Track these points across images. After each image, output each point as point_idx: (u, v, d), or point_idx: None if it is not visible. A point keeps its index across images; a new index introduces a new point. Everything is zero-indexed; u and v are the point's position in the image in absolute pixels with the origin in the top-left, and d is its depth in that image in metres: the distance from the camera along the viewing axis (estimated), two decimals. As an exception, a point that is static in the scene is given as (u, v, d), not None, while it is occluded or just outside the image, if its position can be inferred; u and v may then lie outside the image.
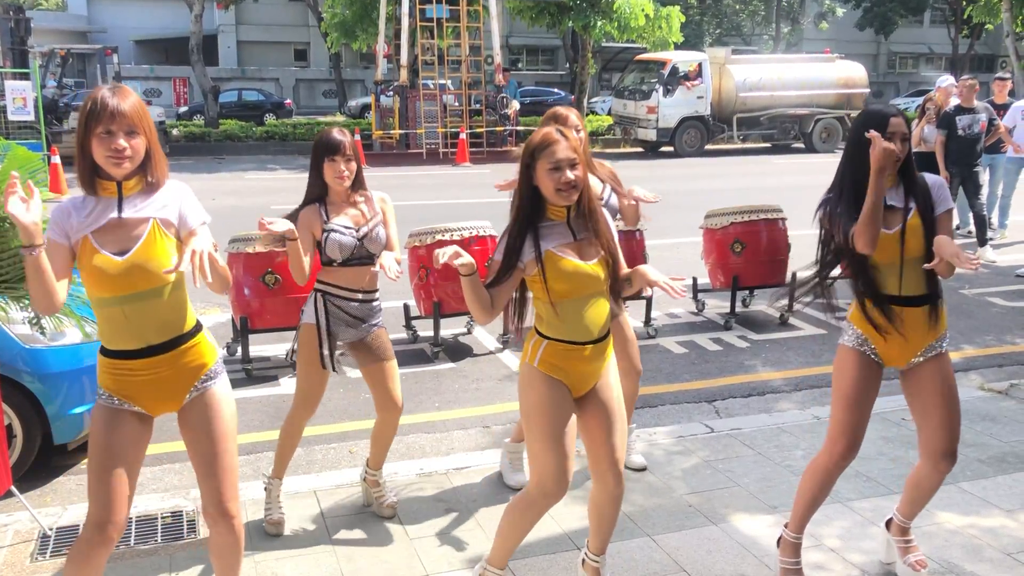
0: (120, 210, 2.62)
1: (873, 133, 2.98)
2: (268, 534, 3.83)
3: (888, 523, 3.52)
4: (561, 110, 4.01)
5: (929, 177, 3.19)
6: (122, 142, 2.54)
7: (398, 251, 3.80)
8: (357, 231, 3.67)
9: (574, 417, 3.02)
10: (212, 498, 2.77)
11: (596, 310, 2.92)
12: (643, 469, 4.45)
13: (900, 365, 3.24)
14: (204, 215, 2.75)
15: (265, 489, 3.95)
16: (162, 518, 3.96)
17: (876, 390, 3.23)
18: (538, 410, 2.95)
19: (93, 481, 2.68)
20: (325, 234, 3.64)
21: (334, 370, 3.75)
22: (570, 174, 2.81)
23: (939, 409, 3.19)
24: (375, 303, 3.81)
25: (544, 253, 2.86)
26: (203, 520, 3.93)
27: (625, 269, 3.03)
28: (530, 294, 2.99)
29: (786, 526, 3.41)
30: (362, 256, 3.69)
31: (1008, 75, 10.55)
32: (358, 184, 3.74)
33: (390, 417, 3.88)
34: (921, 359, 3.20)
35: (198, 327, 2.80)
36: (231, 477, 2.79)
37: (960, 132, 9.60)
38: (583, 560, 3.25)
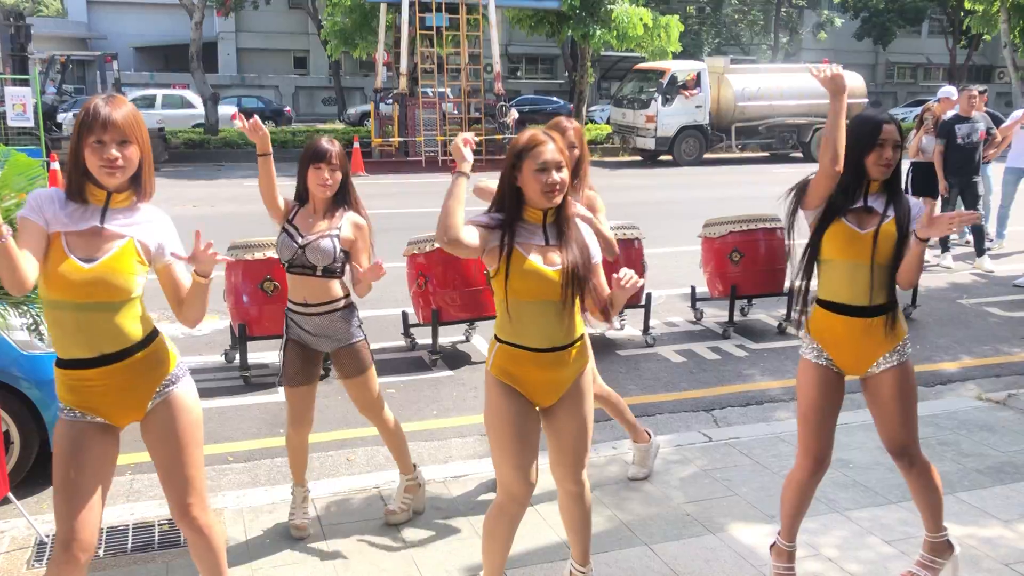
0: (103, 219, 2.61)
1: (817, 67, 3.04)
2: (293, 537, 3.84)
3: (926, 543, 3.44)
4: (563, 122, 3.98)
5: (912, 201, 3.19)
6: (114, 152, 2.53)
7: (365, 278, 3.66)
8: (302, 237, 3.67)
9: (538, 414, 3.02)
10: (176, 504, 2.75)
11: (553, 318, 2.87)
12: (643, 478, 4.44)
13: (859, 374, 3.25)
14: (181, 250, 2.72)
15: (291, 494, 3.98)
16: (159, 525, 3.95)
17: (839, 400, 3.24)
18: (493, 416, 2.97)
19: (58, 501, 2.62)
20: (280, 232, 3.72)
21: (277, 384, 3.77)
22: (556, 176, 2.81)
23: (889, 417, 3.21)
24: (334, 316, 3.74)
25: (513, 249, 2.84)
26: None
27: (604, 288, 2.97)
28: None
29: (779, 533, 3.41)
30: (303, 264, 3.68)
31: (983, 88, 10.54)
32: (346, 201, 3.74)
33: (374, 423, 3.98)
34: (878, 369, 3.19)
35: (154, 333, 2.74)
36: (194, 482, 2.76)
37: (959, 141, 9.61)
38: (570, 572, 3.24)
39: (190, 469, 2.76)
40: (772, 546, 3.43)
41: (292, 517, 3.91)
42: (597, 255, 3.00)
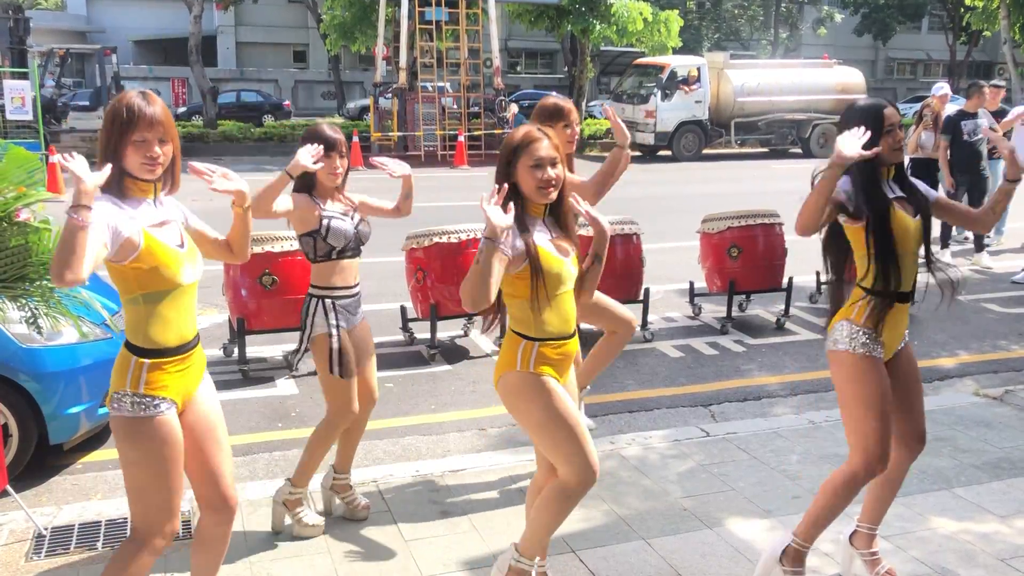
0: (158, 210, 2.71)
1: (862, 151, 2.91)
2: (360, 519, 3.92)
3: (852, 536, 3.45)
4: (560, 102, 4.01)
5: (919, 184, 3.24)
6: (157, 149, 2.59)
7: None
8: (352, 218, 3.72)
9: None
10: (217, 487, 2.80)
11: (570, 304, 2.98)
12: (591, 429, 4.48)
13: (887, 359, 3.23)
14: (197, 220, 2.90)
15: (284, 504, 3.85)
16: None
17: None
18: (555, 414, 2.89)
19: (166, 493, 2.67)
20: (326, 220, 3.63)
21: (295, 368, 3.76)
22: (551, 172, 2.83)
23: (915, 395, 3.26)
24: (360, 296, 3.86)
25: (537, 248, 2.84)
26: (199, 515, 3.94)
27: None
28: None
29: (795, 533, 3.28)
30: (356, 247, 3.75)
31: (1001, 83, 10.56)
32: (344, 183, 3.81)
33: (366, 410, 3.91)
34: (896, 351, 3.25)
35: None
36: (230, 467, 2.86)
37: (964, 138, 9.60)
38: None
39: (229, 457, 2.86)
40: (786, 549, 3.29)
41: (301, 519, 3.81)
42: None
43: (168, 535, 2.71)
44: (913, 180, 3.24)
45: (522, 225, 2.86)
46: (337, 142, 3.64)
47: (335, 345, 3.66)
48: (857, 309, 3.13)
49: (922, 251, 3.19)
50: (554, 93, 30.66)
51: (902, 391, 3.24)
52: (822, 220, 3.01)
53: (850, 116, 3.13)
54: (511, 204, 2.78)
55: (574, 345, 3.03)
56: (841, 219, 3.14)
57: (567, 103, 4.05)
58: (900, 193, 3.15)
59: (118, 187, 2.61)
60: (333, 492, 4.00)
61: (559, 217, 2.97)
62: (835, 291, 3.28)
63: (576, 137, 4.11)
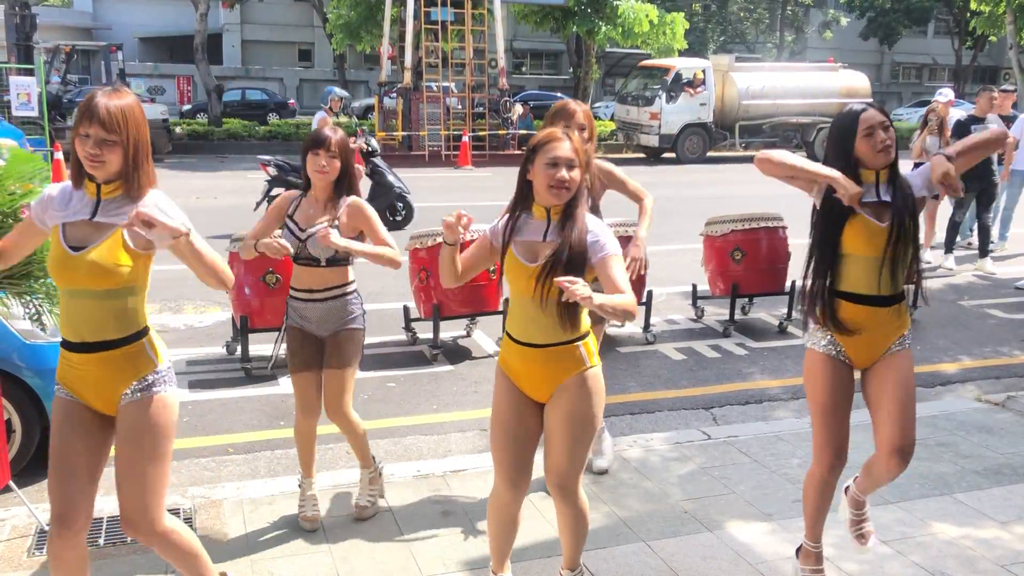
0: (94, 214, 2.64)
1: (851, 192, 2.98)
2: (304, 529, 3.86)
3: (847, 490, 3.50)
4: (568, 103, 3.99)
5: (909, 175, 3.17)
6: (92, 147, 2.55)
7: (394, 249, 3.77)
8: (302, 231, 3.70)
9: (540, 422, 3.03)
10: (126, 505, 2.71)
11: (530, 314, 2.86)
12: (602, 473, 4.44)
13: (866, 366, 3.22)
14: (185, 222, 2.63)
15: (299, 486, 3.98)
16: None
17: (852, 393, 3.21)
18: (493, 408, 3.05)
19: (51, 473, 2.69)
20: (282, 227, 3.74)
21: (268, 369, 3.77)
22: (564, 174, 2.81)
23: (891, 402, 3.12)
24: (338, 302, 3.77)
25: (509, 243, 2.91)
26: (197, 518, 3.96)
27: (618, 287, 2.78)
28: None
29: (804, 535, 3.39)
30: (307, 257, 3.72)
31: (1012, 87, 10.54)
32: (347, 188, 3.77)
33: (333, 417, 3.87)
34: (882, 356, 3.19)
35: (141, 334, 2.71)
36: (144, 493, 2.68)
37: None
38: (559, 573, 3.26)
39: (145, 482, 2.68)
40: (799, 549, 3.41)
41: (302, 510, 3.91)
42: (607, 250, 2.83)
43: (53, 524, 2.66)
44: (910, 178, 3.15)
45: (514, 227, 2.92)
46: (325, 140, 3.64)
47: (277, 343, 3.77)
48: (819, 309, 3.19)
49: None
50: (559, 94, 30.64)
51: (881, 398, 3.17)
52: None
53: (831, 127, 3.18)
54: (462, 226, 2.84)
55: (534, 355, 2.89)
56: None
57: (576, 105, 3.97)
58: (884, 198, 3.09)
59: (78, 179, 2.67)
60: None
61: (564, 224, 2.85)
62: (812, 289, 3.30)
63: (581, 138, 4.06)
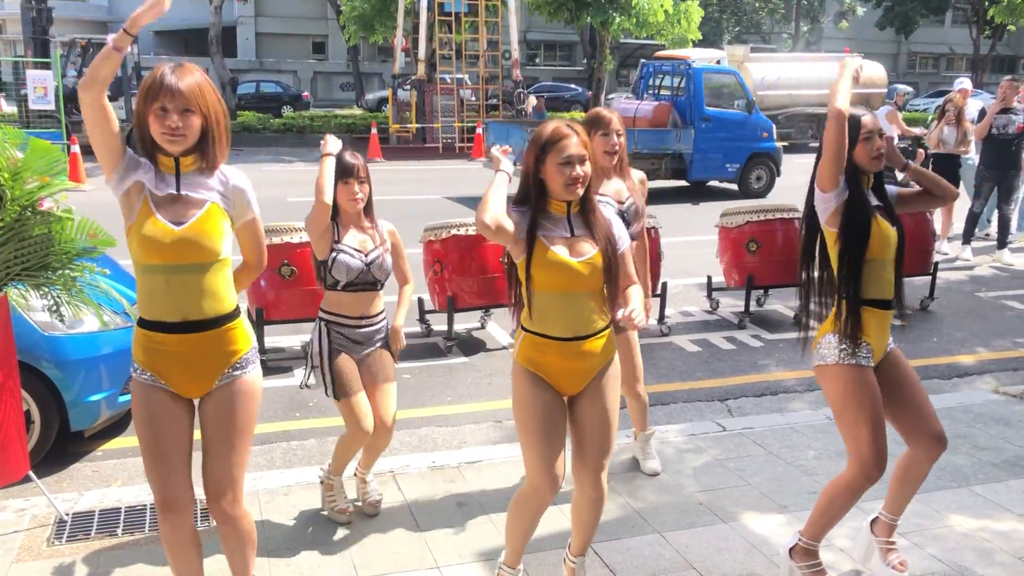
0: (178, 187, 2.64)
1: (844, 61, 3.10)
2: (338, 522, 3.87)
3: (873, 523, 3.48)
4: (602, 111, 4.06)
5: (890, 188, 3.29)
6: (176, 120, 2.55)
7: (411, 284, 3.90)
8: (366, 256, 3.69)
9: (567, 411, 3.02)
10: (212, 490, 2.75)
11: (578, 308, 2.87)
12: (655, 475, 4.42)
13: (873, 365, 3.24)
14: (257, 209, 2.83)
15: (321, 482, 3.95)
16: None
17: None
18: (519, 406, 2.98)
19: (148, 461, 2.70)
20: (334, 254, 3.65)
21: (335, 389, 3.72)
22: (579, 170, 2.82)
23: (917, 395, 3.23)
24: (378, 326, 3.82)
25: (536, 239, 2.86)
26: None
27: (632, 278, 2.96)
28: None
29: (801, 534, 3.33)
30: (366, 282, 3.71)
31: None
32: (368, 208, 3.78)
33: (381, 438, 3.85)
34: (884, 358, 3.25)
35: (237, 311, 2.77)
36: (234, 472, 2.76)
37: (994, 131, 9.49)
38: (564, 558, 3.25)
39: (234, 457, 2.75)
40: (793, 548, 3.34)
41: (334, 503, 3.91)
42: (624, 242, 2.99)
43: (160, 509, 2.71)
44: (887, 188, 3.26)
45: (536, 223, 2.88)
46: (355, 168, 3.64)
47: (326, 367, 3.71)
48: (849, 319, 3.15)
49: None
50: (573, 85, 30.50)
51: (899, 394, 3.23)
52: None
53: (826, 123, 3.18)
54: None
55: (575, 349, 2.89)
56: (823, 223, 3.19)
57: (609, 113, 4.03)
58: (878, 202, 3.19)
59: (150, 155, 2.66)
60: (356, 480, 4.07)
61: (586, 214, 2.92)
62: (805, 298, 3.33)
63: (617, 148, 4.04)
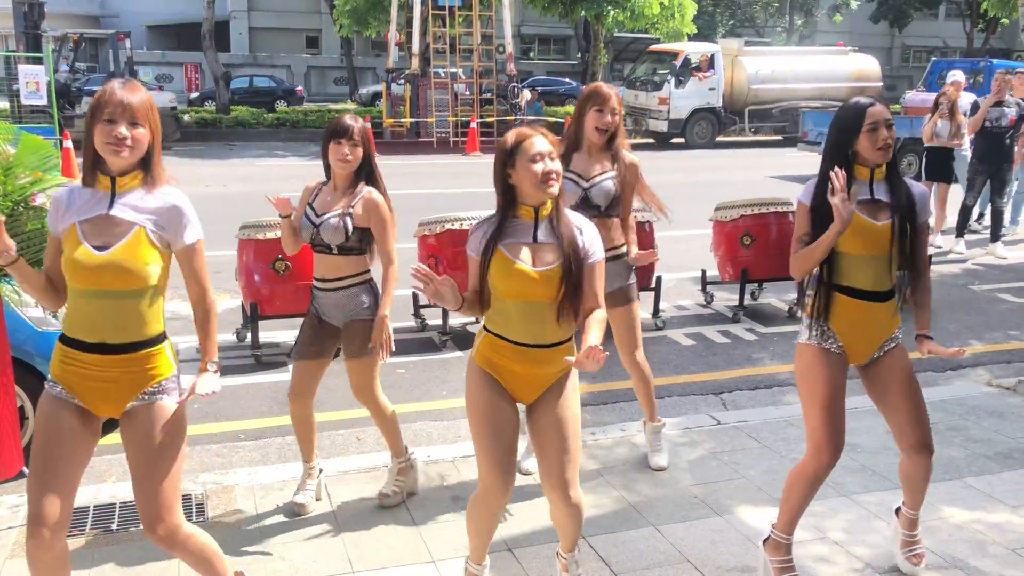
0: (110, 206, 2.60)
1: (834, 197, 2.92)
2: (296, 513, 3.89)
3: (898, 512, 3.51)
4: (599, 85, 4.08)
5: (914, 186, 3.18)
6: (124, 130, 2.53)
7: (394, 264, 3.82)
8: (317, 217, 3.72)
9: (519, 414, 2.99)
10: (143, 515, 2.70)
11: (539, 316, 2.83)
12: (661, 469, 4.41)
13: (861, 361, 3.23)
14: (199, 231, 2.72)
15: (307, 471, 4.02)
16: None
17: (845, 386, 3.18)
18: (470, 406, 2.96)
19: (33, 472, 2.62)
20: (303, 212, 3.77)
21: (290, 359, 3.80)
22: (551, 164, 2.78)
23: (903, 402, 3.19)
24: (350, 291, 3.79)
25: (495, 249, 2.82)
26: (209, 504, 3.98)
27: (597, 301, 2.88)
28: None
29: (773, 526, 3.34)
30: (320, 243, 3.73)
31: None
32: (367, 178, 3.77)
33: (362, 399, 3.93)
34: (879, 354, 3.21)
35: (161, 338, 2.72)
36: (162, 496, 2.68)
37: (987, 124, 9.50)
38: (557, 553, 3.23)
39: (159, 482, 2.68)
40: (766, 540, 3.36)
41: (296, 494, 3.95)
42: (595, 255, 2.89)
43: (30, 522, 2.60)
44: (915, 189, 3.15)
45: (499, 232, 2.84)
46: (348, 129, 3.65)
47: (301, 331, 3.86)
48: (816, 302, 3.18)
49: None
50: (568, 79, 30.57)
51: (887, 396, 3.21)
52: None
53: (833, 118, 3.16)
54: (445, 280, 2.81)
55: (531, 356, 2.87)
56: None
57: (609, 89, 4.05)
58: (880, 197, 3.09)
59: (91, 174, 2.63)
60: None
61: (552, 220, 2.85)
62: (809, 285, 3.29)
63: (611, 123, 4.03)
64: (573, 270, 2.81)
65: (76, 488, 2.70)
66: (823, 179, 3.07)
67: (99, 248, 2.55)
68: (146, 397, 2.69)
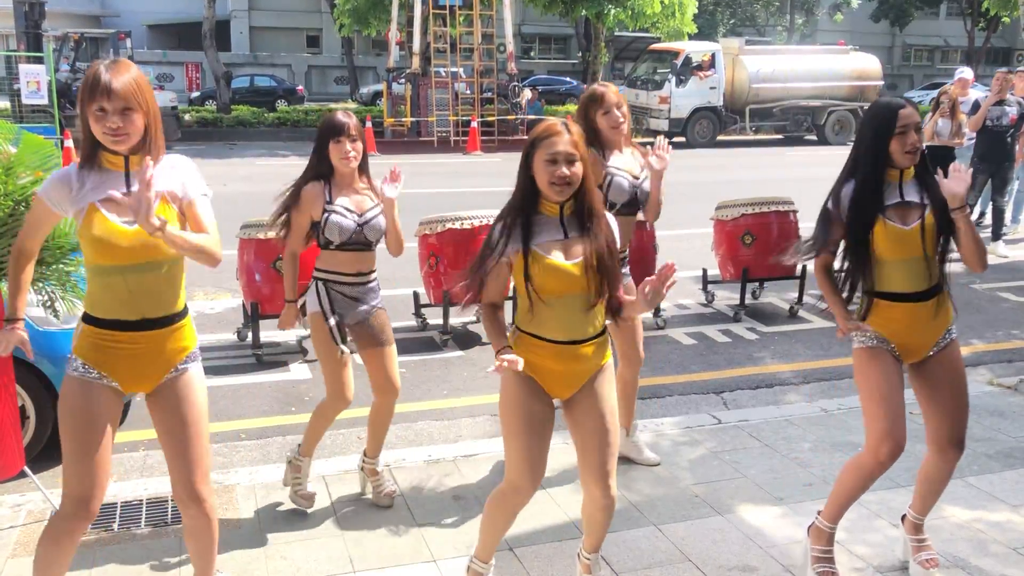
0: (128, 185, 2.59)
1: (844, 329, 3.15)
2: (301, 508, 3.89)
3: (904, 519, 3.51)
4: (598, 87, 4.09)
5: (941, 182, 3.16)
6: (117, 120, 2.51)
7: (403, 239, 3.83)
8: (359, 216, 3.69)
9: (555, 413, 2.99)
10: (182, 481, 2.75)
11: (573, 311, 2.82)
12: (655, 464, 4.43)
13: (917, 359, 3.23)
14: (204, 187, 2.74)
15: (289, 462, 3.97)
16: (172, 501, 4.00)
17: (903, 383, 3.19)
18: (506, 406, 2.95)
19: (75, 455, 2.64)
20: (326, 214, 3.65)
21: (344, 343, 3.76)
22: (565, 170, 2.73)
23: (948, 398, 3.19)
24: (371, 283, 3.83)
25: (531, 250, 2.79)
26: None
27: (625, 291, 2.93)
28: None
29: (819, 513, 3.37)
30: (360, 242, 3.71)
31: None
32: (363, 169, 3.78)
33: (388, 400, 3.90)
34: (933, 352, 3.21)
35: (187, 309, 2.78)
36: (203, 461, 2.76)
37: (988, 123, 9.49)
38: (578, 554, 3.24)
39: (200, 446, 2.76)
40: (811, 527, 3.39)
41: (298, 489, 3.94)
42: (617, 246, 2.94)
43: (73, 505, 2.64)
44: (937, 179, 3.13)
45: (527, 231, 2.81)
46: (345, 126, 3.62)
47: (331, 322, 3.73)
48: (863, 310, 3.20)
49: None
50: (568, 79, 30.50)
51: (933, 394, 3.21)
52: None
53: (866, 114, 3.15)
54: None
55: (570, 353, 2.86)
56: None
57: (603, 87, 4.05)
58: (912, 198, 3.09)
59: (92, 158, 2.62)
60: (364, 474, 4.07)
61: (582, 216, 2.83)
62: (847, 283, 3.28)
63: (621, 123, 4.04)
64: (605, 262, 2.81)
65: (109, 472, 2.74)
66: (863, 185, 3.07)
67: (129, 223, 2.55)
68: (178, 369, 2.75)
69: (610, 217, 2.96)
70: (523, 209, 2.84)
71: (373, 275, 3.84)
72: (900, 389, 3.16)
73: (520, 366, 2.76)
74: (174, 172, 2.68)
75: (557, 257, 2.80)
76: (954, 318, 3.24)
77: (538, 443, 2.92)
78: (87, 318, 2.68)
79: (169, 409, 2.75)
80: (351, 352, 3.83)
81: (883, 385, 3.13)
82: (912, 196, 3.10)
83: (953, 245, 3.16)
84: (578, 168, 2.77)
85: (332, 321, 3.72)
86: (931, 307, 3.15)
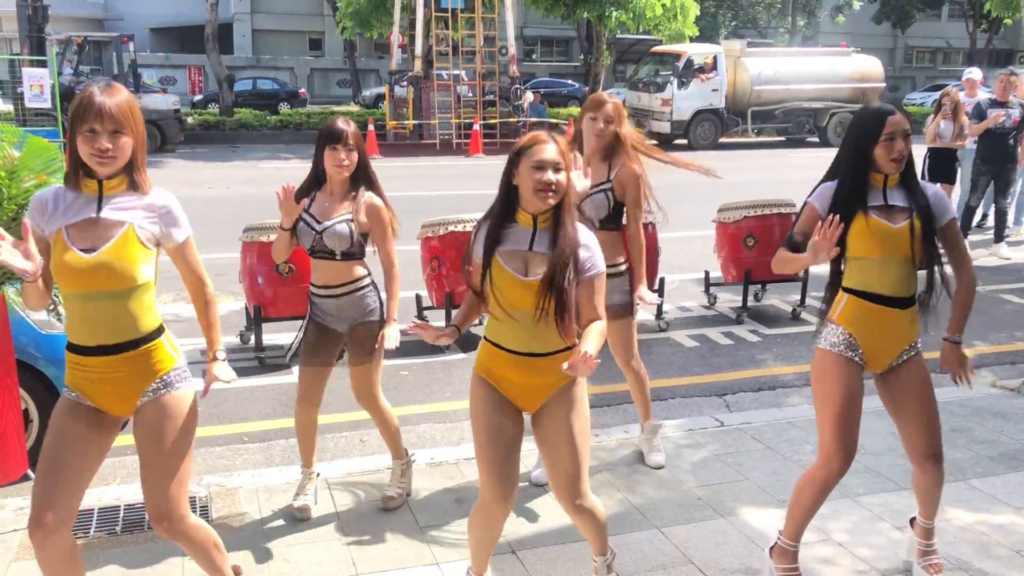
0: (99, 209, 2.61)
1: (817, 239, 2.88)
2: (297, 519, 3.88)
3: (912, 522, 3.48)
4: (599, 94, 4.14)
5: (928, 187, 3.14)
6: (105, 142, 2.53)
7: (395, 266, 3.84)
8: (319, 223, 3.69)
9: (523, 423, 2.97)
10: (150, 508, 2.72)
11: (527, 326, 2.78)
12: (659, 468, 4.43)
13: (879, 369, 3.19)
14: (188, 228, 2.75)
15: (301, 475, 4.03)
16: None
17: (862, 395, 3.14)
18: (472, 416, 2.95)
19: (41, 470, 2.65)
20: (299, 221, 3.70)
21: (287, 359, 3.80)
22: (551, 176, 2.72)
23: (916, 411, 3.14)
24: (354, 296, 3.78)
25: (492, 257, 2.79)
26: (213, 506, 3.99)
27: (597, 312, 2.81)
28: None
29: (780, 533, 3.33)
30: (322, 249, 3.71)
31: None
32: (364, 181, 3.76)
33: (367, 407, 3.95)
34: (897, 363, 3.17)
35: (158, 332, 2.73)
36: (168, 490, 2.71)
37: (992, 126, 9.48)
38: (592, 559, 3.21)
39: (166, 477, 2.71)
40: (773, 548, 3.35)
41: (295, 499, 3.95)
42: (595, 268, 2.81)
43: (32, 517, 2.62)
44: (929, 191, 3.12)
45: (495, 238, 2.80)
46: (342, 134, 3.62)
47: (299, 334, 3.82)
48: (837, 307, 3.17)
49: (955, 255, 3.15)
50: (570, 81, 30.52)
51: (901, 408, 3.18)
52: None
53: (855, 118, 3.13)
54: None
55: (526, 365, 2.83)
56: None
57: (608, 98, 4.08)
58: (895, 202, 3.06)
59: (74, 178, 2.63)
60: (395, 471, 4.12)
61: (555, 232, 2.77)
62: (828, 288, 3.27)
63: (603, 132, 4.02)
64: (556, 281, 2.71)
65: (83, 490, 2.72)
66: (841, 186, 3.07)
67: (87, 251, 2.56)
68: (152, 393, 2.72)
69: (589, 234, 2.86)
70: (498, 216, 2.84)
71: (343, 288, 3.76)
72: (859, 402, 3.11)
73: (431, 338, 2.84)
74: (159, 211, 2.68)
75: (515, 269, 2.77)
76: (921, 333, 3.20)
77: (503, 457, 2.89)
78: (66, 344, 2.72)
79: (141, 431, 2.74)
80: (337, 364, 3.91)
81: (840, 397, 3.08)
82: (897, 200, 3.07)
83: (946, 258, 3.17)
84: (563, 178, 2.75)
85: (301, 333, 3.81)
86: (906, 317, 3.12)
